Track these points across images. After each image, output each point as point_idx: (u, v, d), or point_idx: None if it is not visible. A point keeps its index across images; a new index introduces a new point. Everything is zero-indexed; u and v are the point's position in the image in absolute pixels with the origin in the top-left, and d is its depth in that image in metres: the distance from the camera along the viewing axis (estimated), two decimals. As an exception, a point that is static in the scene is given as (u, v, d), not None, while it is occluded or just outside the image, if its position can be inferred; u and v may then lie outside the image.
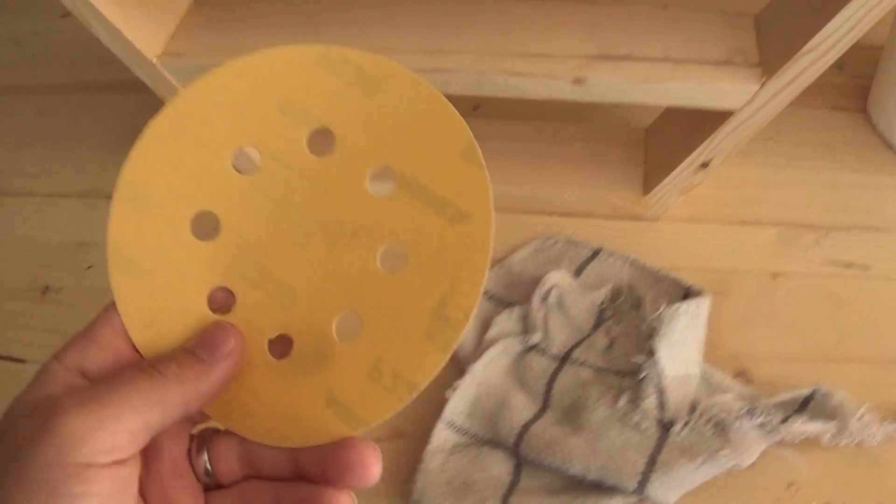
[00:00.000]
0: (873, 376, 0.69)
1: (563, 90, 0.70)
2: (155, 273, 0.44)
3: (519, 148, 0.85)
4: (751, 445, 0.62)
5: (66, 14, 0.69)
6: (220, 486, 0.45)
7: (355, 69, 0.44)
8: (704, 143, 0.72)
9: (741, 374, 0.69)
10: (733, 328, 0.72)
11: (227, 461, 0.45)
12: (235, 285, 0.44)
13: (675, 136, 0.79)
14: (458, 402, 0.68)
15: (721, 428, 0.63)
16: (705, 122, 0.73)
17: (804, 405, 0.65)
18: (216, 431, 0.45)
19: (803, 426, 0.63)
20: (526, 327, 0.72)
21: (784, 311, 0.74)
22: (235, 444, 0.45)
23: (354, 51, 0.44)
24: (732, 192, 0.82)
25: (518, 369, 0.70)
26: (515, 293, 0.75)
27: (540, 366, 0.69)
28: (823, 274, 0.76)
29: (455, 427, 0.68)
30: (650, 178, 0.80)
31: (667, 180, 0.77)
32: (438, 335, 0.42)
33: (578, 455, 0.63)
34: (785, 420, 0.63)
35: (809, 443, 0.64)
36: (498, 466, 0.65)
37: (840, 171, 0.83)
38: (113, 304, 0.44)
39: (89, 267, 0.83)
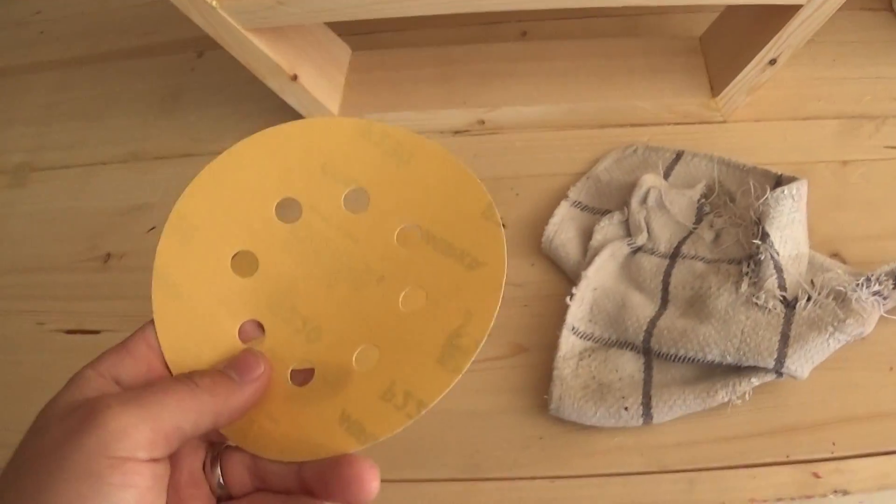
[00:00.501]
0: (956, 246, 0.72)
1: (639, -5, 0.71)
2: (193, 300, 0.48)
3: (581, 66, 0.86)
4: (871, 313, 0.64)
5: None
6: (231, 498, 0.47)
7: (393, 142, 0.50)
8: (773, 40, 0.74)
9: (835, 256, 0.71)
10: (818, 214, 0.74)
11: (239, 474, 0.47)
12: (266, 319, 0.48)
13: (736, 38, 0.80)
14: (578, 309, 0.69)
15: (842, 299, 0.64)
16: (771, 19, 0.74)
17: (904, 274, 0.67)
18: (229, 447, 0.48)
19: (913, 292, 0.65)
20: (629, 230, 0.73)
21: (861, 195, 0.76)
22: (247, 459, 0.47)
23: (395, 126, 0.50)
24: (790, 92, 0.84)
25: (630, 271, 0.71)
26: (608, 201, 0.77)
27: (651, 264, 0.70)
28: (889, 157, 0.79)
29: (579, 333, 0.68)
30: (717, 81, 0.82)
31: (737, 79, 0.79)
32: (450, 360, 0.45)
33: (713, 341, 0.64)
34: (895, 287, 0.66)
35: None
36: (629, 365, 0.66)
37: (882, 66, 0.86)
38: (151, 322, 0.48)
39: (151, 228, 0.82)
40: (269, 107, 0.87)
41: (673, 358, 0.65)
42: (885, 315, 0.66)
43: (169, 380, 0.45)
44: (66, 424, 0.40)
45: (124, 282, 0.79)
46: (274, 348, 0.48)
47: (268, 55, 0.77)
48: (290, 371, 0.47)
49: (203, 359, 0.47)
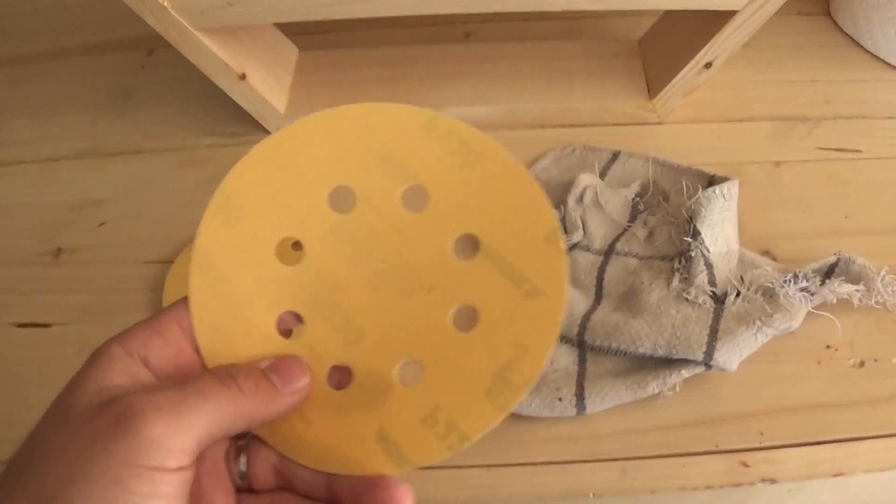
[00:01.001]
0: (881, 245, 0.75)
1: (579, 0, 0.73)
2: (233, 284, 0.46)
3: (522, 68, 0.88)
4: (798, 308, 0.66)
5: None
6: (251, 491, 0.46)
7: (458, 140, 0.46)
8: (709, 44, 0.77)
9: (766, 253, 0.74)
10: (751, 213, 0.77)
11: (263, 470, 0.46)
12: (306, 312, 0.46)
13: (674, 42, 0.83)
14: (514, 302, 0.71)
15: (770, 295, 0.67)
16: (707, 24, 0.77)
17: (831, 270, 0.70)
18: (255, 438, 0.46)
19: (839, 287, 0.68)
20: (565, 228, 0.75)
21: (793, 194, 0.79)
22: (273, 456, 0.46)
23: (462, 123, 0.47)
24: (725, 94, 0.87)
25: (565, 268, 0.73)
26: (545, 199, 0.78)
27: (586, 261, 0.73)
28: (821, 158, 0.81)
29: (515, 326, 0.70)
30: (654, 84, 0.85)
31: (673, 82, 0.81)
32: (498, 396, 0.43)
33: (644, 334, 0.66)
34: (822, 283, 0.68)
35: (840, 307, 0.68)
36: (564, 358, 0.68)
37: (817, 69, 0.90)
38: (184, 302, 0.46)
39: (101, 224, 0.83)
40: (216, 104, 0.89)
41: (606, 350, 0.67)
42: (813, 310, 0.68)
43: (209, 379, 0.43)
44: (94, 425, 0.39)
45: (75, 276, 0.80)
46: (312, 345, 0.46)
47: (217, 54, 0.78)
48: (326, 371, 0.46)
49: (237, 347, 0.46)
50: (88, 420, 0.39)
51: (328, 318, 0.46)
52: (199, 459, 0.42)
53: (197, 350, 0.46)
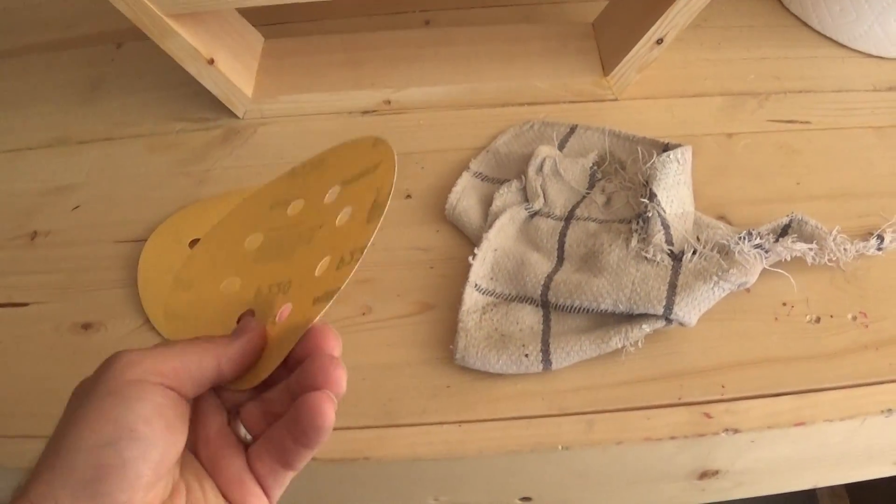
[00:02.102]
0: (832, 209, 0.78)
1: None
2: (199, 318, 0.58)
3: (482, 50, 0.91)
4: (753, 264, 0.69)
5: None
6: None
7: (308, 164, 0.62)
8: (659, 20, 0.80)
9: (721, 218, 0.76)
10: (706, 181, 0.79)
11: (256, 421, 0.53)
12: (255, 305, 0.57)
13: (626, 21, 0.86)
14: (480, 267, 0.73)
15: (725, 252, 0.70)
16: (658, 1, 0.80)
17: (785, 231, 0.73)
18: (243, 405, 0.54)
19: (793, 244, 0.70)
20: (527, 196, 0.77)
21: (745, 163, 0.82)
22: (258, 405, 0.53)
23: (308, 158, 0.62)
24: (678, 72, 0.90)
25: (528, 233, 0.75)
26: (507, 171, 0.81)
27: (548, 226, 0.75)
28: (772, 130, 0.85)
29: (482, 290, 0.73)
30: (608, 62, 0.88)
31: (626, 58, 0.84)
32: (374, 217, 0.53)
33: (605, 292, 0.68)
34: (776, 241, 0.71)
35: (795, 266, 0.71)
36: (529, 317, 0.71)
37: (766, 48, 0.93)
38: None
39: (76, 207, 0.84)
40: (185, 93, 0.92)
41: (569, 309, 0.70)
42: (769, 268, 0.71)
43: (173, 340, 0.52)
44: (89, 379, 0.48)
45: (51, 257, 0.81)
46: (263, 315, 0.56)
47: (186, 40, 0.80)
48: (273, 320, 0.55)
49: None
50: (87, 381, 0.48)
51: (267, 295, 0.57)
52: (205, 427, 0.52)
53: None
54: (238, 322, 0.56)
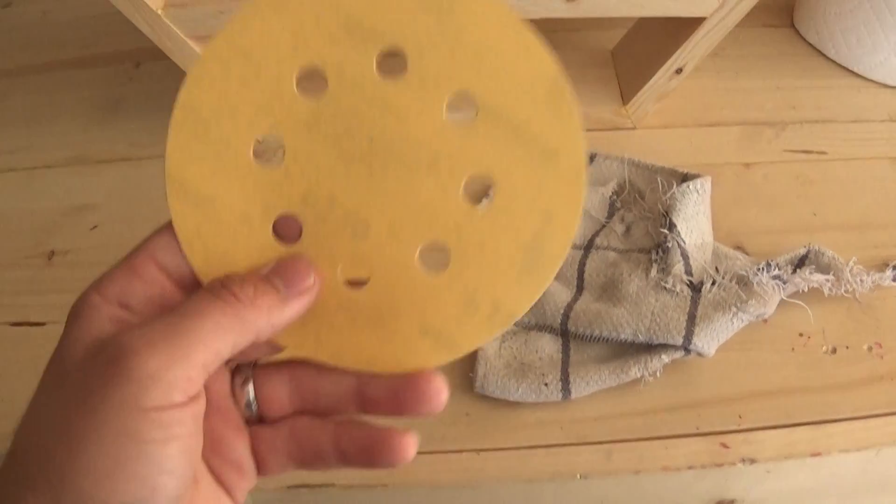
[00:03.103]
0: (848, 239, 0.78)
1: (558, 9, 0.76)
2: (217, 200, 0.42)
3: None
4: (772, 295, 0.70)
5: (7, 3, 0.71)
6: (262, 422, 0.44)
7: None
8: (679, 51, 0.80)
9: (738, 248, 0.77)
10: (723, 211, 0.80)
11: (277, 396, 0.44)
12: (303, 213, 0.42)
13: (645, 50, 0.86)
14: (498, 294, 0.73)
15: (744, 283, 0.70)
16: (677, 31, 0.80)
17: (802, 261, 0.73)
18: (259, 365, 0.44)
19: (810, 276, 0.71)
20: (545, 225, 0.78)
21: (762, 193, 0.82)
22: (286, 378, 0.44)
23: None
24: (695, 101, 0.91)
25: (548, 262, 0.76)
26: (526, 199, 0.81)
27: (567, 255, 0.75)
28: (788, 160, 0.85)
29: (501, 318, 0.73)
30: (627, 91, 0.88)
31: (645, 88, 0.84)
32: (536, 269, 0.41)
33: (625, 322, 0.69)
34: (794, 272, 0.71)
35: (811, 297, 0.72)
36: (548, 346, 0.71)
37: (783, 77, 0.94)
38: (154, 236, 0.43)
39: (94, 227, 0.85)
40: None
41: (588, 338, 0.70)
42: (786, 299, 0.71)
43: (202, 296, 0.39)
44: (87, 374, 0.36)
45: (69, 277, 0.81)
46: (316, 246, 0.42)
47: (208, 62, 0.80)
48: (339, 269, 0.42)
49: (237, 265, 0.42)
50: (81, 373, 0.37)
51: (327, 213, 0.42)
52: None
53: (181, 286, 0.42)
54: (275, 229, 0.42)
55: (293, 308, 0.41)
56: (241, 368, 0.44)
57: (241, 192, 0.42)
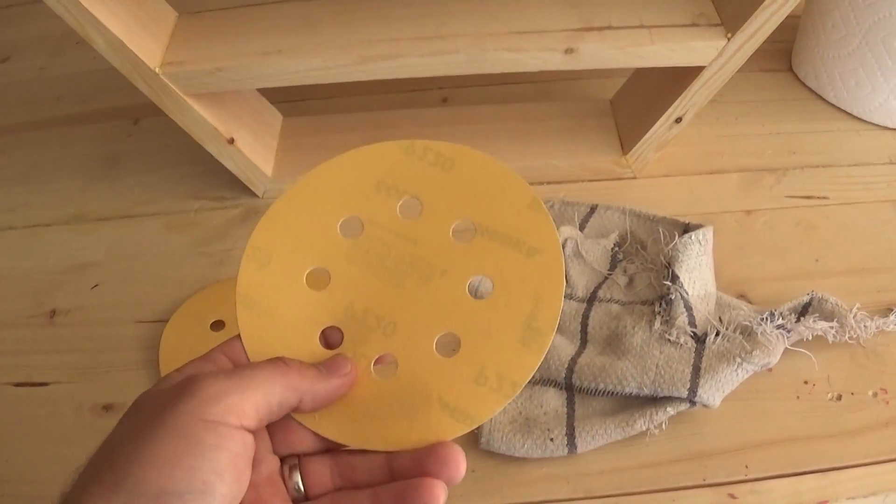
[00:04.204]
0: (851, 285, 0.78)
1: (556, 61, 0.76)
2: (276, 314, 0.52)
3: (500, 128, 0.92)
4: (776, 345, 0.69)
5: (5, 59, 0.71)
6: (308, 499, 0.50)
7: (434, 153, 0.54)
8: (679, 100, 0.80)
9: (742, 297, 0.77)
10: (725, 259, 0.80)
11: (319, 476, 0.50)
12: (343, 324, 0.51)
13: (644, 99, 0.87)
14: (504, 350, 0.73)
15: (748, 333, 0.70)
16: (677, 80, 0.80)
17: (805, 309, 0.73)
18: (306, 455, 0.50)
19: (814, 324, 0.71)
20: (548, 277, 0.77)
21: (764, 240, 0.82)
22: (327, 461, 0.50)
23: (433, 141, 0.54)
24: (695, 149, 0.91)
25: (550, 316, 0.75)
26: (530, 252, 0.81)
27: (570, 309, 0.75)
28: (789, 206, 0.85)
29: (505, 372, 0.73)
30: (627, 140, 0.88)
31: (645, 137, 0.85)
32: (531, 343, 0.49)
33: (630, 375, 0.68)
34: (797, 321, 0.71)
35: (815, 344, 0.72)
36: (553, 401, 0.71)
37: (782, 122, 0.94)
38: (230, 340, 0.51)
39: (95, 286, 0.85)
40: (203, 171, 0.92)
41: (594, 392, 0.70)
42: (790, 348, 0.71)
43: (260, 361, 0.48)
44: (161, 399, 0.43)
45: (71, 336, 0.81)
46: (354, 346, 0.51)
47: (206, 120, 0.81)
48: (372, 363, 0.50)
49: None
50: (156, 399, 0.44)
51: (362, 321, 0.51)
52: (256, 470, 0.46)
53: None
54: (322, 338, 0.52)
55: (332, 384, 0.48)
56: (288, 458, 0.50)
57: (296, 308, 0.52)
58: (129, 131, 1.01)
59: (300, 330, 0.51)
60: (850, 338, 0.72)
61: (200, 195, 0.92)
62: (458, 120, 0.93)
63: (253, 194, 0.91)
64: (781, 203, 0.86)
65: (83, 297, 0.84)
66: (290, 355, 0.49)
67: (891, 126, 0.92)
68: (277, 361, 0.47)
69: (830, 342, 0.72)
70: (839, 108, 0.95)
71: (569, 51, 0.75)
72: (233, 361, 0.50)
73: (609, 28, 0.76)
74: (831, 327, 0.72)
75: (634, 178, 0.89)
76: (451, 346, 0.50)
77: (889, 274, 0.79)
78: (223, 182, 0.90)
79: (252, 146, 0.87)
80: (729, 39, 0.75)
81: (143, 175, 0.95)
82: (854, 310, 0.73)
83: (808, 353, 0.71)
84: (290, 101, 0.96)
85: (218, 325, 0.78)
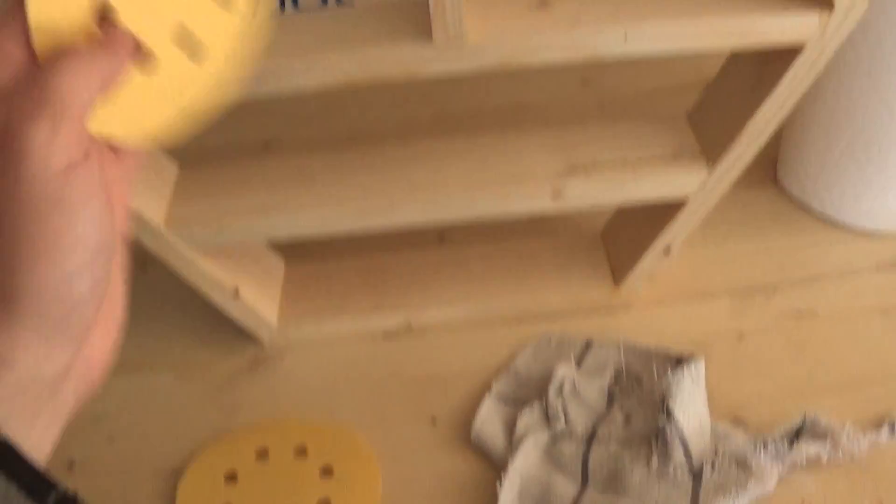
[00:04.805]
0: (843, 400, 0.80)
1: (544, 205, 0.80)
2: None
3: (496, 266, 0.95)
4: (771, 473, 0.72)
5: None
6: None
7: None
8: (665, 231, 0.83)
9: (736, 419, 0.79)
10: (719, 384, 0.81)
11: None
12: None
13: (633, 232, 0.89)
14: (507, 494, 0.74)
15: (743, 463, 0.72)
16: (662, 212, 0.83)
17: (799, 432, 0.75)
18: None
19: (807, 448, 0.73)
20: (548, 419, 0.80)
21: (757, 362, 0.84)
22: None
23: None
24: (685, 272, 0.93)
25: (552, 457, 0.77)
26: (527, 392, 0.83)
27: (570, 449, 0.77)
28: (780, 324, 0.88)
29: (511, 516, 0.75)
30: (618, 271, 0.91)
31: (636, 268, 0.87)
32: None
33: (630, 514, 0.71)
34: (791, 446, 0.73)
35: (811, 464, 0.74)
36: (558, 541, 0.73)
37: (769, 238, 0.96)
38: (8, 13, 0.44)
39: (110, 437, 0.86)
40: (213, 318, 0.93)
41: (595, 533, 0.72)
42: (786, 472, 0.73)
43: (65, 51, 0.42)
44: None
45: (90, 487, 0.82)
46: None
47: (211, 273, 0.83)
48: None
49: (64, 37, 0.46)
50: None
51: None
52: None
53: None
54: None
55: (126, 50, 0.44)
56: None
57: None
58: (138, 279, 1.03)
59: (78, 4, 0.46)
60: (844, 457, 0.74)
61: (208, 342, 0.94)
62: (455, 261, 0.96)
63: (259, 342, 0.93)
64: (773, 322, 0.88)
65: (100, 449, 0.86)
66: (67, 30, 0.44)
67: (876, 231, 0.95)
68: (79, 47, 0.42)
69: (825, 462, 0.74)
70: (825, 218, 0.97)
71: (556, 194, 0.79)
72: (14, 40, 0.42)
73: (594, 166, 0.79)
74: (824, 450, 0.74)
75: (627, 307, 0.91)
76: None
77: (881, 385, 0.81)
78: (230, 329, 0.92)
79: (256, 296, 0.89)
80: (711, 171, 0.78)
81: (151, 324, 0.98)
82: (847, 427, 0.75)
83: (803, 475, 0.73)
84: (292, 245, 0.98)
85: (231, 478, 0.80)
